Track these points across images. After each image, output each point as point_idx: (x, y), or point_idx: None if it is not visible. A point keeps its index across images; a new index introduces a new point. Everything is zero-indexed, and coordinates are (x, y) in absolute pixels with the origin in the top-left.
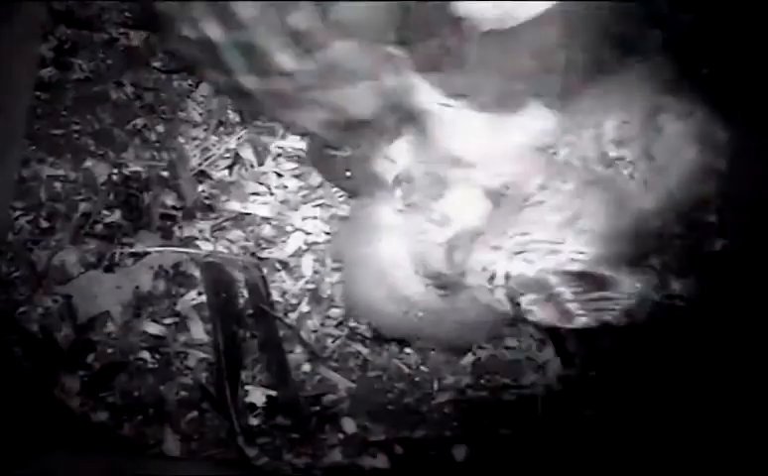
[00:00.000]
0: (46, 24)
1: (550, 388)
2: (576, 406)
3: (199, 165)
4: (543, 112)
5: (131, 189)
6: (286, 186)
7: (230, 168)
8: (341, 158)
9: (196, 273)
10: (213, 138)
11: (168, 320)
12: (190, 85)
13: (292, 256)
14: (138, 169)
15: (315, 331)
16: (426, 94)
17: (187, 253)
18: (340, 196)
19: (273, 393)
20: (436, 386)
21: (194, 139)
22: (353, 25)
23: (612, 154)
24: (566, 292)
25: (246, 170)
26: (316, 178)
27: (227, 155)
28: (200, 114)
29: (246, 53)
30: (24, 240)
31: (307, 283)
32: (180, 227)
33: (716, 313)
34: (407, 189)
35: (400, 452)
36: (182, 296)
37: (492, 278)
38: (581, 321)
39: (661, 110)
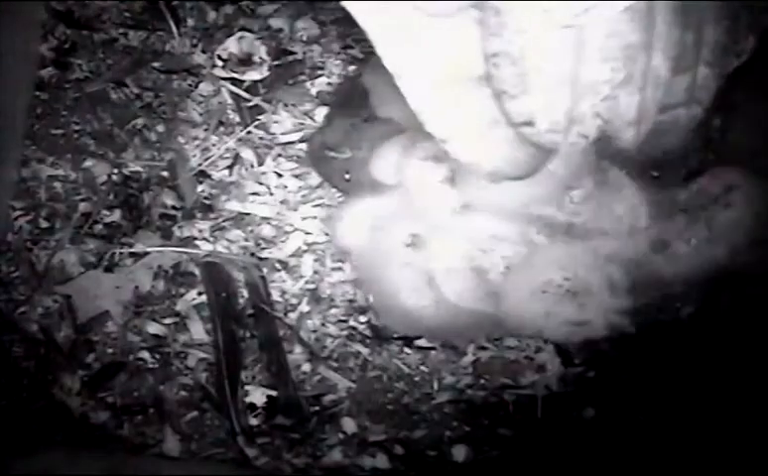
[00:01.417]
0: (46, 24)
1: (550, 388)
2: (575, 406)
3: (199, 165)
4: None
5: (131, 189)
6: (286, 186)
7: (230, 168)
8: (341, 159)
9: (196, 272)
10: (213, 138)
11: (168, 320)
12: (189, 85)
13: (291, 256)
14: (138, 169)
15: (314, 331)
16: None
17: (186, 253)
18: (340, 197)
19: (273, 393)
20: (436, 386)
21: (195, 139)
22: None
23: None
24: None
25: (246, 170)
26: (315, 178)
27: (227, 155)
28: (200, 114)
29: None
30: (24, 240)
31: (306, 283)
32: (179, 227)
33: (717, 314)
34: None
35: (400, 452)
36: (182, 295)
37: None
38: None
39: None
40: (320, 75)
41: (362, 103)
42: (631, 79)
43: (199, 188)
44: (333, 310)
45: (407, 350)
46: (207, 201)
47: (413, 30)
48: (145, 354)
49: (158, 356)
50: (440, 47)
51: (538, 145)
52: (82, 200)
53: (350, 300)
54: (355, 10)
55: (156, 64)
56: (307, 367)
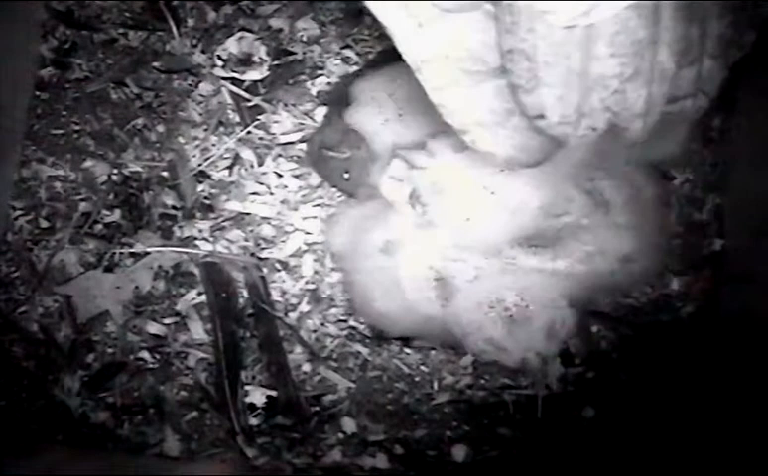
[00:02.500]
0: (46, 24)
1: (550, 388)
2: (575, 406)
3: (199, 165)
4: None
5: (131, 189)
6: (286, 186)
7: (230, 168)
8: (340, 159)
9: (196, 272)
10: (213, 138)
11: (168, 320)
12: (189, 85)
13: (292, 256)
14: (138, 169)
15: (314, 331)
16: None
17: (186, 253)
18: (340, 197)
19: (273, 393)
20: (436, 386)
21: (195, 139)
22: None
23: None
24: None
25: (246, 170)
26: (315, 178)
27: (227, 155)
28: (200, 114)
29: None
30: (24, 240)
31: (306, 283)
32: (179, 227)
33: (717, 314)
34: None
35: (400, 452)
36: (182, 295)
37: None
38: None
39: None
40: (320, 75)
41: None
42: (639, 74)
43: (199, 188)
44: (333, 310)
45: (407, 350)
46: (207, 201)
47: (430, 25)
48: (145, 354)
49: (158, 356)
50: (457, 40)
51: (550, 136)
52: (82, 200)
53: (350, 300)
54: (375, 7)
55: (156, 64)
56: (307, 367)
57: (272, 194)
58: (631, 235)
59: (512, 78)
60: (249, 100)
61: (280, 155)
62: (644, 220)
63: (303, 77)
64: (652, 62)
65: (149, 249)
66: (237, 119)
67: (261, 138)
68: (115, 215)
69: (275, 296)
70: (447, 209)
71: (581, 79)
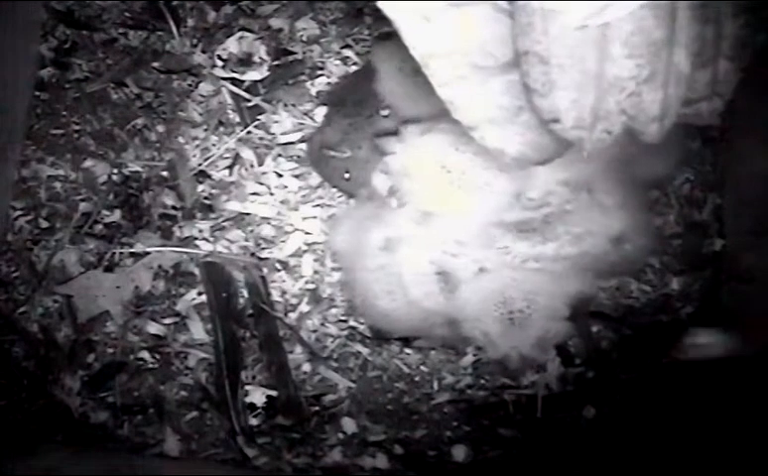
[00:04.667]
0: (46, 24)
1: (550, 388)
2: (575, 406)
3: (199, 165)
4: None
5: (131, 189)
6: (286, 186)
7: (230, 168)
8: (341, 159)
9: (196, 272)
10: (213, 138)
11: (168, 320)
12: (189, 85)
13: (291, 256)
14: (138, 169)
15: (314, 331)
16: None
17: (186, 253)
18: (340, 197)
19: (273, 393)
20: (436, 386)
21: (195, 139)
22: None
23: None
24: None
25: (246, 170)
26: (315, 178)
27: (227, 155)
28: (200, 114)
29: None
30: (24, 240)
31: (306, 283)
32: (179, 227)
33: (717, 313)
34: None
35: (400, 452)
36: (182, 295)
37: None
38: None
39: None
40: (320, 75)
41: (364, 101)
42: (655, 75)
43: (199, 188)
44: (333, 310)
45: (407, 350)
46: (207, 201)
47: (439, 18)
48: (145, 354)
49: (158, 356)
50: (465, 34)
51: (564, 140)
52: (82, 200)
53: (350, 300)
54: (381, 2)
55: (156, 64)
56: (307, 367)
57: (272, 194)
58: (619, 215)
59: (527, 81)
60: (249, 100)
61: (280, 155)
62: (630, 199)
63: (303, 77)
64: (668, 64)
65: (149, 249)
66: (237, 119)
67: (261, 138)
68: (115, 215)
69: (275, 296)
70: (415, 193)
71: (597, 82)
